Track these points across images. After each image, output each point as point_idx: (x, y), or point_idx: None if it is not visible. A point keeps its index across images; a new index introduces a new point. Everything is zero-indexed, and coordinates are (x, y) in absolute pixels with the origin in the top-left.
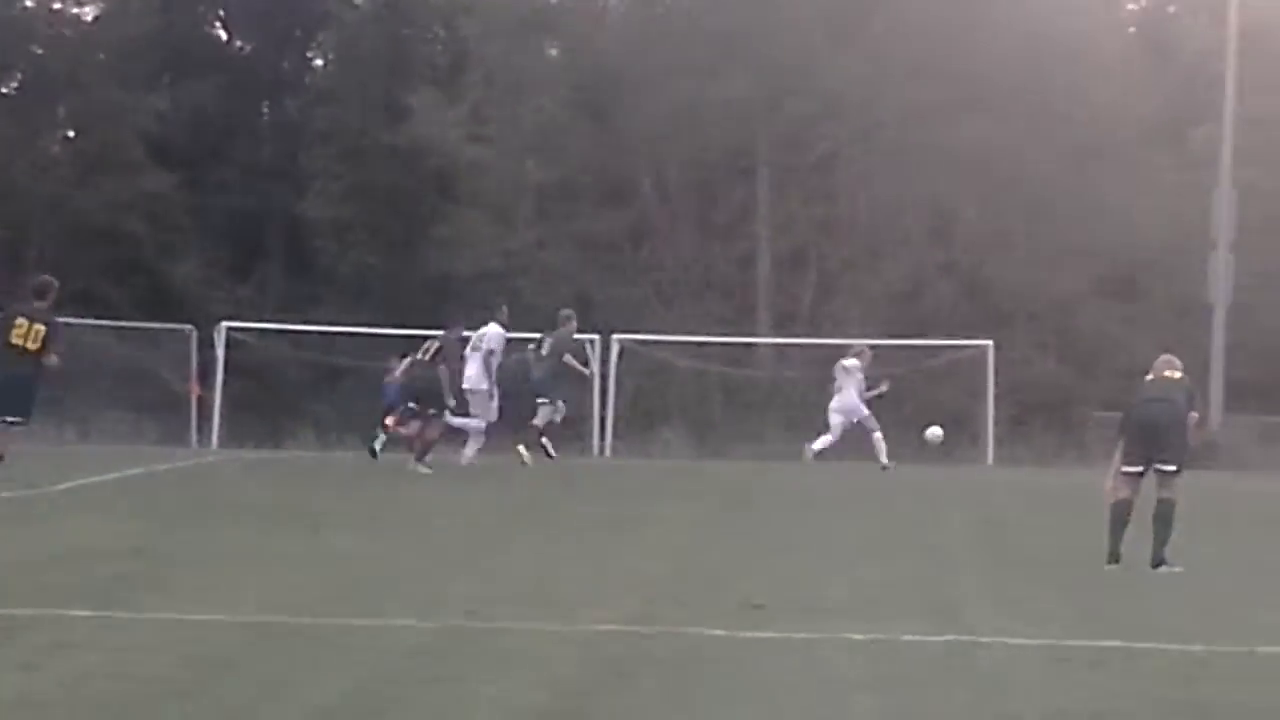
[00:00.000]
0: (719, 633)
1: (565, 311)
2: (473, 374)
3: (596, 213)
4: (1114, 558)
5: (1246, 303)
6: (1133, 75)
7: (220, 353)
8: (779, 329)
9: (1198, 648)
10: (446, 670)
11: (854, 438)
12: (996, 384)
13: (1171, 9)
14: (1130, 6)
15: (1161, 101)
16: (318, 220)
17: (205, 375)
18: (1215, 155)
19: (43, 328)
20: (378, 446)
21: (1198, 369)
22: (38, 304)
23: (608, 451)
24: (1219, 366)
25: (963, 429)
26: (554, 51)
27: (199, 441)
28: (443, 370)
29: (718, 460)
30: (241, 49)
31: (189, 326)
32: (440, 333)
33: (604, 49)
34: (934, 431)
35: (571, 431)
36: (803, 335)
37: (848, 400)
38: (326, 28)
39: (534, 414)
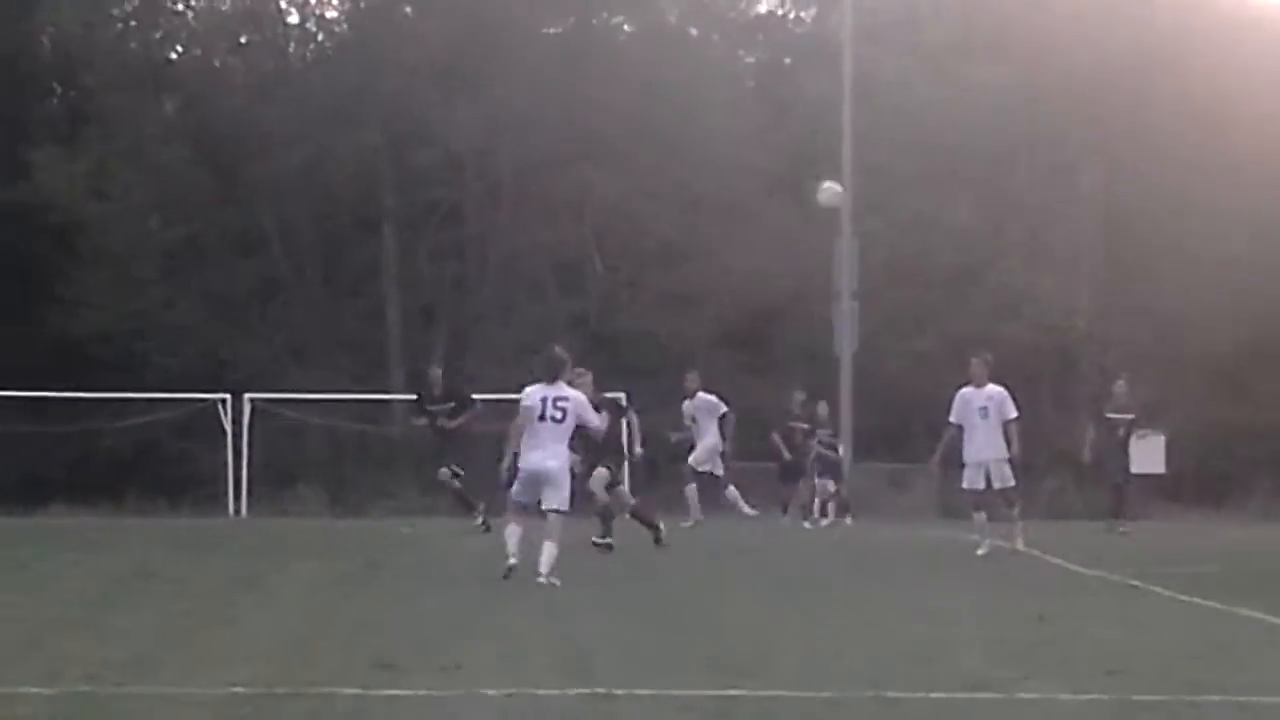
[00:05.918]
0: (352, 691)
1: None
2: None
3: (224, 269)
4: None
5: (873, 350)
6: (752, 127)
7: None
8: (412, 384)
9: (826, 694)
10: None
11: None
12: None
13: (788, 60)
14: (748, 60)
15: (783, 153)
16: None
17: None
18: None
19: None
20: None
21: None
22: None
23: (243, 511)
24: (847, 415)
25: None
26: (172, 108)
27: None
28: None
29: (353, 518)
30: None
31: None
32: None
33: (224, 104)
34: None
35: (205, 491)
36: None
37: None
38: None
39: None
